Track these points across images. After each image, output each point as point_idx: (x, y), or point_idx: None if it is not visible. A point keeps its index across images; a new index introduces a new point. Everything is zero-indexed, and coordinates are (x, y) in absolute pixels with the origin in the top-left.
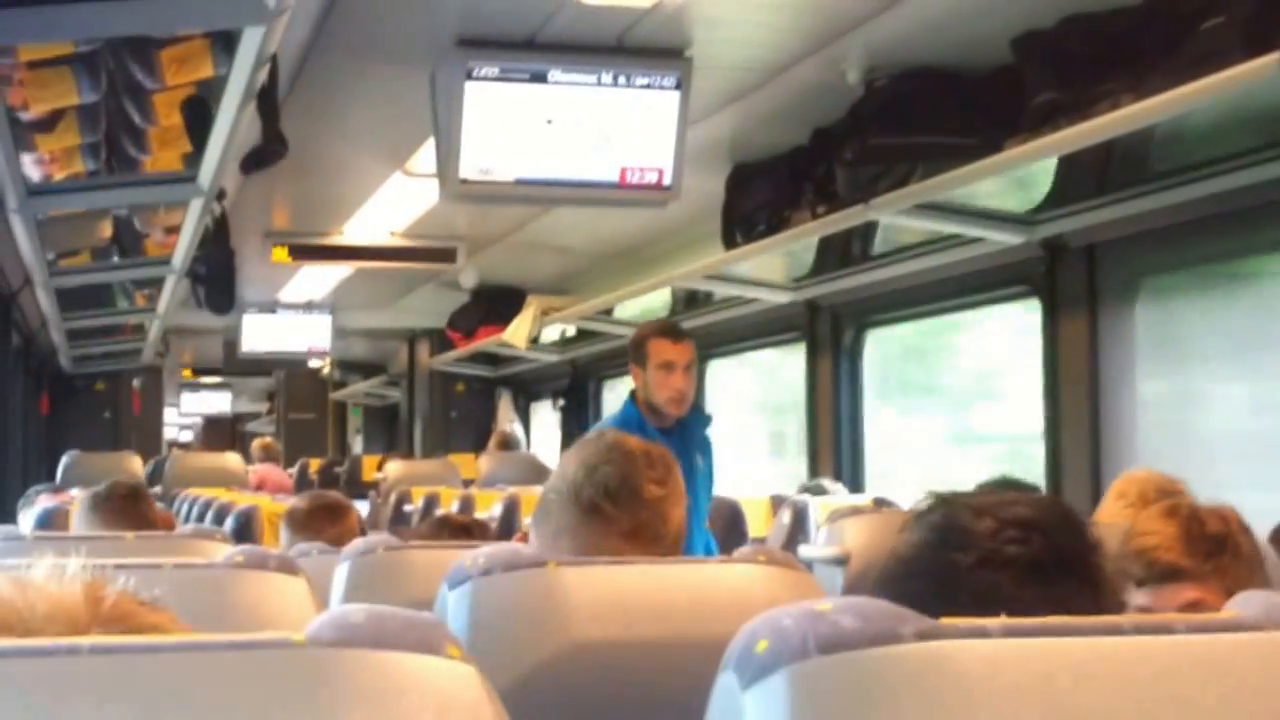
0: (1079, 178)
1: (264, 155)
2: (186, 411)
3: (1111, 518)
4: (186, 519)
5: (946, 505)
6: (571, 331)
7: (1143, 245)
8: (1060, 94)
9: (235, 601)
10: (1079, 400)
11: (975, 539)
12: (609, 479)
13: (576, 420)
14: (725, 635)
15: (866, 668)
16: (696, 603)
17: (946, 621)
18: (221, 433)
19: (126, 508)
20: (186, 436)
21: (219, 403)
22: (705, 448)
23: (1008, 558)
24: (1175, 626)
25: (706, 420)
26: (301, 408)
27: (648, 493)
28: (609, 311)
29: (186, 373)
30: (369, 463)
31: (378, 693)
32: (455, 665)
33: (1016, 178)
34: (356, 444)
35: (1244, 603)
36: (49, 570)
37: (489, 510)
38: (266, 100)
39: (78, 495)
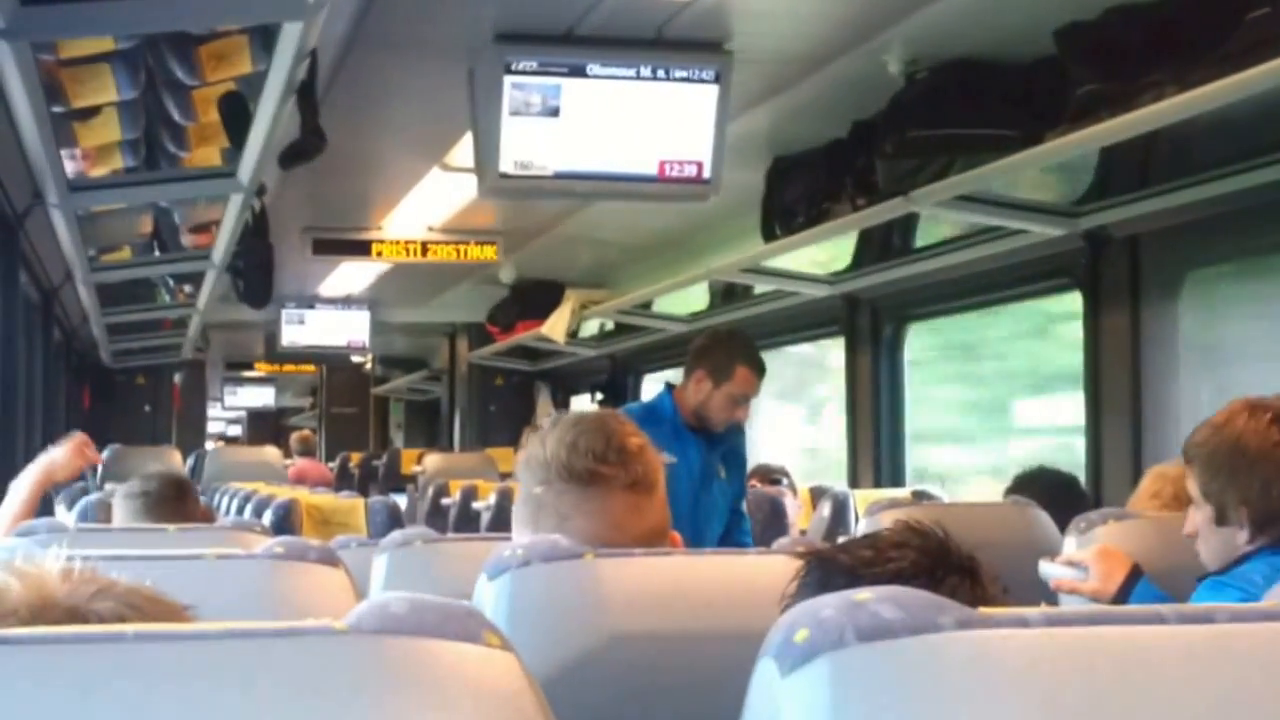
0: (1122, 169)
1: (302, 150)
2: (233, 406)
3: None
4: (226, 512)
5: (819, 560)
6: (610, 325)
7: (1187, 237)
8: (1104, 85)
9: (276, 592)
10: (1121, 392)
11: (855, 570)
12: (594, 444)
13: None
14: (764, 626)
15: (906, 656)
16: (735, 594)
17: (986, 611)
18: (266, 427)
19: (172, 506)
20: (235, 430)
21: (263, 397)
22: (733, 458)
23: (892, 571)
24: (1216, 615)
25: (739, 429)
26: (343, 402)
27: (631, 445)
28: (647, 305)
29: (231, 367)
30: (408, 456)
31: (419, 680)
32: (495, 653)
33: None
34: (398, 438)
35: None
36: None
37: None
38: (306, 95)
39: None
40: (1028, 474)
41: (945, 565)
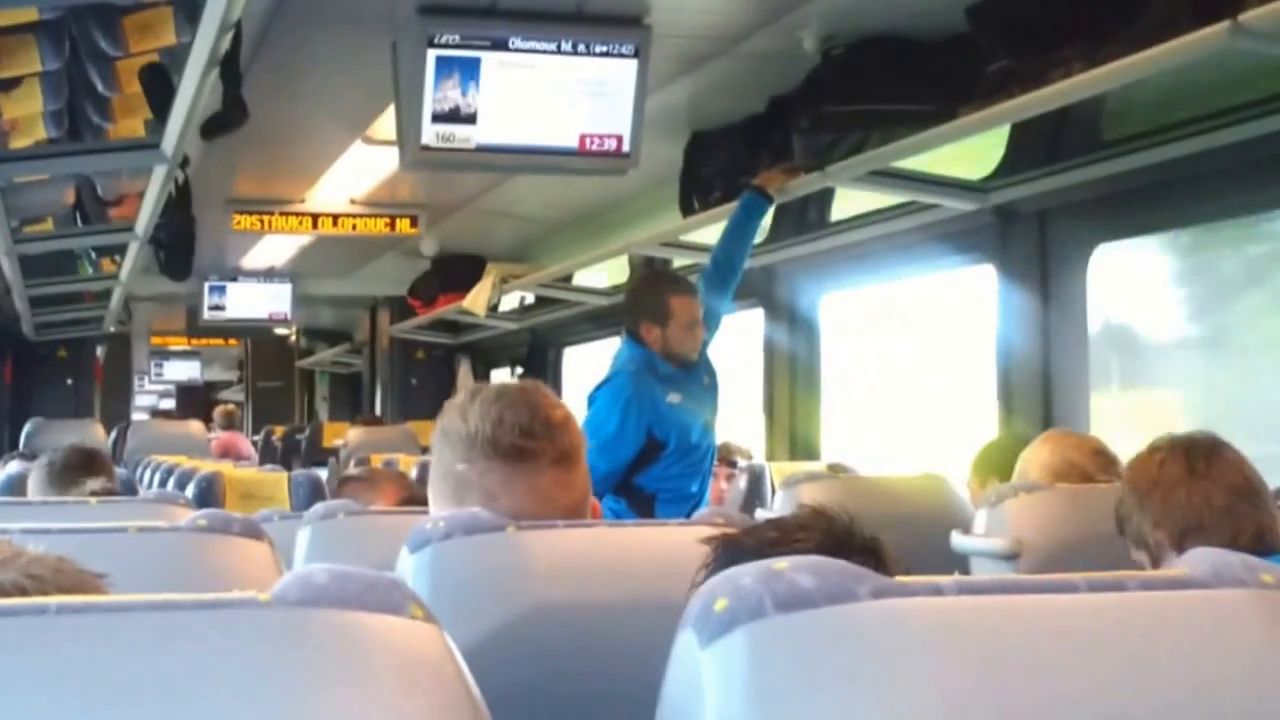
0: (1031, 145)
1: (224, 121)
2: (160, 379)
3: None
4: (149, 486)
5: (724, 544)
6: (530, 299)
7: (1094, 212)
8: (1014, 62)
9: (200, 565)
10: (1031, 364)
11: (761, 554)
12: (520, 417)
13: None
14: (684, 596)
15: (823, 625)
16: (656, 564)
17: (901, 580)
18: (196, 401)
19: (78, 475)
20: (167, 404)
21: (189, 371)
22: (709, 367)
23: (798, 553)
24: (1126, 584)
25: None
26: (269, 375)
27: (557, 417)
28: (568, 279)
29: (157, 340)
30: (332, 429)
31: (343, 652)
32: (418, 625)
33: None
34: (324, 411)
35: (1194, 560)
36: None
37: None
38: (229, 67)
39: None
40: (996, 445)
41: (849, 547)
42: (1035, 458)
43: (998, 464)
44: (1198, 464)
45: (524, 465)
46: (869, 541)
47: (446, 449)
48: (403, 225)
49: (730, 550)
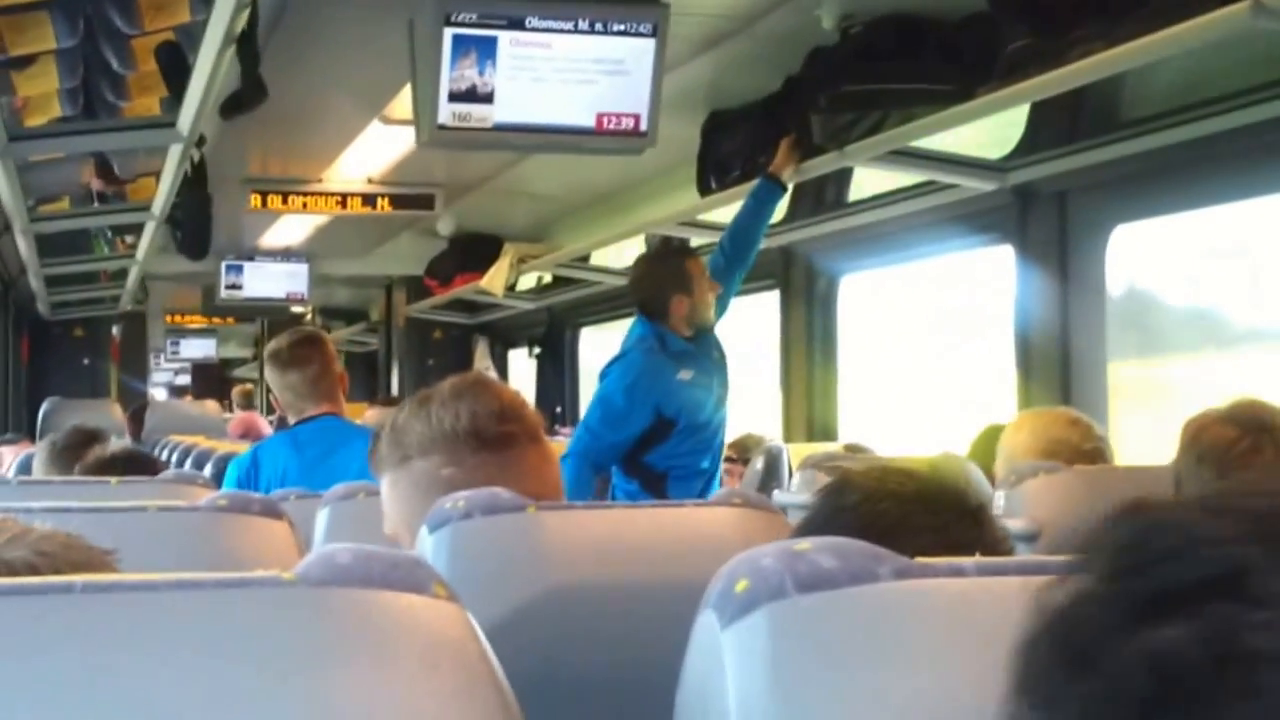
0: (1050, 125)
1: (243, 100)
2: (175, 357)
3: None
4: (167, 465)
5: (841, 478)
6: (548, 278)
7: (1112, 192)
8: (1033, 41)
9: (219, 544)
10: (1049, 345)
11: (862, 484)
12: (491, 405)
13: (552, 367)
14: (703, 577)
15: (845, 606)
16: (675, 545)
17: (923, 561)
18: (211, 378)
19: (78, 455)
20: (184, 380)
21: (205, 349)
22: (717, 342)
23: (889, 492)
24: None
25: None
26: None
27: (518, 398)
28: (585, 259)
29: (173, 318)
30: (349, 410)
31: (366, 630)
32: (442, 604)
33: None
34: None
35: None
36: None
37: None
38: (246, 45)
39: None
40: (991, 432)
41: (947, 498)
42: (1016, 442)
43: (993, 452)
44: None
45: (510, 451)
46: (977, 510)
47: (420, 461)
48: (420, 205)
49: (840, 485)
